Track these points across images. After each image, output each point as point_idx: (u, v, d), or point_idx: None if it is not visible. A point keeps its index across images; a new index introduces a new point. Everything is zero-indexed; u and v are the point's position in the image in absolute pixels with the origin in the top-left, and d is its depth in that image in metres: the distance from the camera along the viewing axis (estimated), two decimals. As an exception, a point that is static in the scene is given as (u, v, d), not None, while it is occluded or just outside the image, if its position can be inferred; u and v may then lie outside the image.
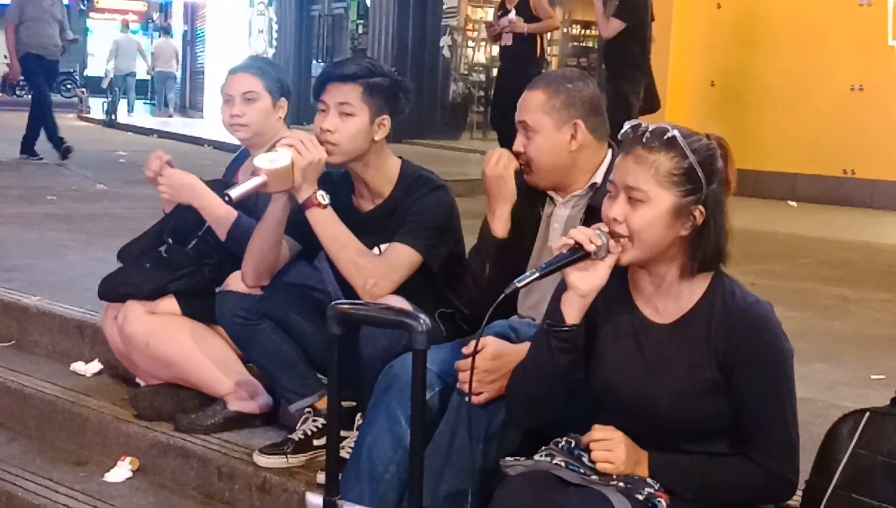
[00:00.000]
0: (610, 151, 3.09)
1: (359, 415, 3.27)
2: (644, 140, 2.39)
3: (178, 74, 26.64)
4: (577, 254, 2.37)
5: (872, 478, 2.48)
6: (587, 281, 2.40)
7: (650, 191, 2.37)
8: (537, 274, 2.40)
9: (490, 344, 2.78)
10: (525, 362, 2.56)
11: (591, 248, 2.36)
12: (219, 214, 3.65)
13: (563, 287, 2.46)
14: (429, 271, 3.26)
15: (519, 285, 2.40)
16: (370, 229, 3.30)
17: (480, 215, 3.27)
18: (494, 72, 19.73)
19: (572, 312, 2.43)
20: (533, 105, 3.00)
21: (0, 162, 12.05)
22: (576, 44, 19.01)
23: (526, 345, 2.68)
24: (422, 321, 2.11)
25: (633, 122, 2.45)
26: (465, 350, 2.81)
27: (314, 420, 3.44)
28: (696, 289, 2.47)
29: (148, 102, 30.00)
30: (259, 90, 3.86)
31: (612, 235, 2.39)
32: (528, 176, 3.05)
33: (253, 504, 3.43)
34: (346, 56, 13.08)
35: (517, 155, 3.03)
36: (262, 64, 4.02)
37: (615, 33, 9.02)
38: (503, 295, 2.43)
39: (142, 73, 25.72)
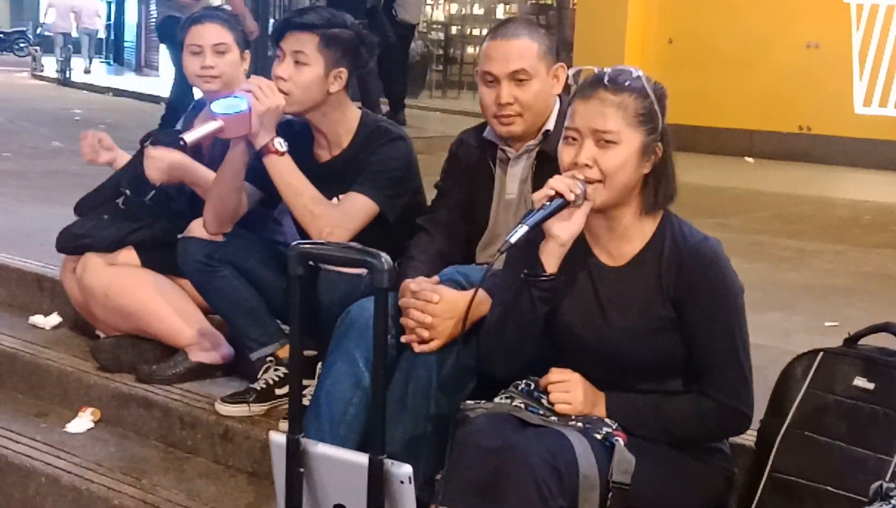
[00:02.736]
0: (558, 100, 3.11)
1: (319, 364, 3.28)
2: (606, 82, 2.41)
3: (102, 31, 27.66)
4: (558, 204, 2.39)
5: (825, 417, 2.54)
6: (566, 229, 2.42)
7: (621, 132, 2.40)
8: (526, 227, 2.40)
9: (443, 291, 2.80)
10: (503, 315, 2.55)
11: (570, 197, 2.38)
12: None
13: (529, 239, 2.48)
14: (387, 221, 3.27)
15: (512, 240, 2.39)
16: (330, 180, 3.30)
17: (438, 173, 3.28)
18: (453, 30, 19.78)
19: (552, 261, 2.45)
20: (527, 53, 2.99)
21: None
22: (534, 2, 18.98)
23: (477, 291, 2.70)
24: (384, 260, 2.12)
25: (580, 67, 2.48)
26: (410, 285, 2.84)
27: (276, 369, 3.44)
28: (646, 230, 2.51)
29: (104, 60, 29.75)
30: (230, 42, 3.85)
31: (584, 179, 2.41)
32: (510, 126, 3.03)
33: (216, 452, 3.45)
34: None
35: (506, 106, 3.00)
36: (228, 16, 3.97)
37: None
38: (499, 253, 2.45)
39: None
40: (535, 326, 2.51)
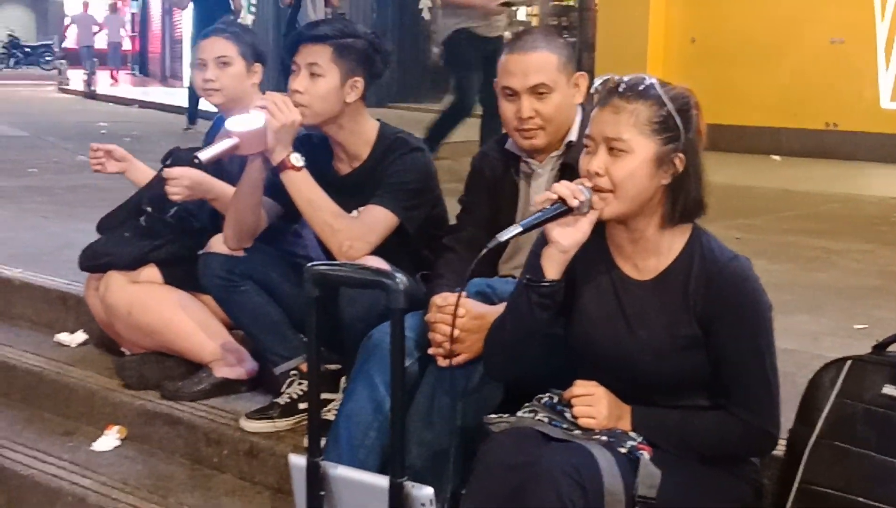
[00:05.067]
0: (580, 109, 3.08)
1: (343, 378, 3.27)
2: (620, 90, 2.38)
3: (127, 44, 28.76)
4: (560, 209, 2.36)
5: (855, 425, 2.49)
6: (569, 237, 2.39)
7: (631, 140, 2.36)
8: (520, 229, 2.38)
9: (469, 305, 2.78)
10: (503, 316, 2.55)
11: (573, 203, 2.35)
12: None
13: (542, 242, 2.45)
14: (406, 232, 3.25)
15: (501, 239, 2.39)
16: (349, 192, 3.29)
17: (463, 178, 3.27)
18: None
19: (553, 267, 2.42)
20: (546, 66, 2.97)
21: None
22: (557, 2, 18.91)
23: (504, 305, 2.69)
24: (398, 280, 2.10)
25: (605, 76, 2.44)
26: (437, 300, 2.82)
27: (299, 383, 3.44)
28: (674, 245, 2.47)
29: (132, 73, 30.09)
30: (232, 55, 3.84)
31: (595, 189, 2.38)
32: (533, 140, 3.02)
33: (241, 469, 3.44)
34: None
35: (527, 120, 2.98)
36: (236, 29, 3.98)
37: None
38: (486, 249, 2.42)
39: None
40: (534, 331, 2.48)
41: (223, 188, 3.66)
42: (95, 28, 26.69)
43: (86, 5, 28.66)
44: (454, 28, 7.53)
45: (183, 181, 3.62)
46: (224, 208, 3.56)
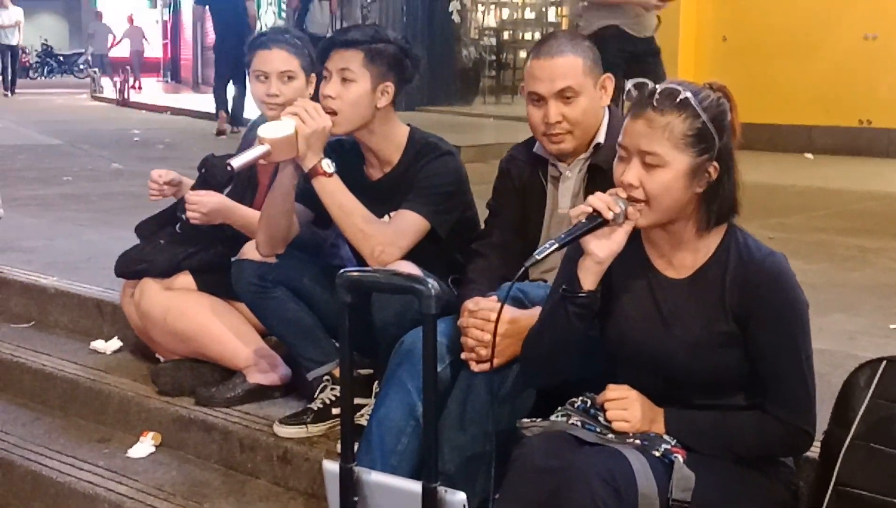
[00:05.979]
0: (607, 111, 3.07)
1: (376, 383, 3.28)
2: (655, 103, 2.36)
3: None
4: (595, 222, 2.36)
5: (890, 427, 2.48)
6: (605, 248, 2.39)
7: (666, 155, 2.35)
8: (556, 245, 2.38)
9: (503, 310, 2.78)
10: (540, 325, 2.55)
11: (609, 215, 2.35)
12: (255, 225, 3.54)
13: (576, 248, 2.45)
14: (438, 236, 3.26)
15: (538, 257, 2.39)
16: (381, 198, 3.30)
17: (491, 181, 3.27)
18: (505, 35, 19.75)
19: (589, 278, 2.43)
20: (572, 70, 2.97)
21: (17, 145, 12.12)
22: (585, 3, 18.86)
23: (537, 310, 2.68)
24: (430, 286, 2.10)
25: (637, 81, 2.43)
26: (469, 305, 2.82)
27: (332, 389, 3.45)
28: (710, 243, 2.46)
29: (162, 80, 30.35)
30: (296, 69, 3.79)
31: (629, 199, 2.38)
32: (561, 144, 3.02)
33: (275, 474, 3.45)
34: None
35: (555, 124, 2.98)
36: (295, 40, 3.89)
37: None
38: (524, 268, 2.42)
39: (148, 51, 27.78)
40: (572, 340, 2.49)
41: (245, 215, 3.66)
42: (110, 38, 27.22)
43: (99, 15, 29.14)
44: (601, 24, 7.16)
45: (202, 208, 3.64)
46: (249, 232, 3.56)
